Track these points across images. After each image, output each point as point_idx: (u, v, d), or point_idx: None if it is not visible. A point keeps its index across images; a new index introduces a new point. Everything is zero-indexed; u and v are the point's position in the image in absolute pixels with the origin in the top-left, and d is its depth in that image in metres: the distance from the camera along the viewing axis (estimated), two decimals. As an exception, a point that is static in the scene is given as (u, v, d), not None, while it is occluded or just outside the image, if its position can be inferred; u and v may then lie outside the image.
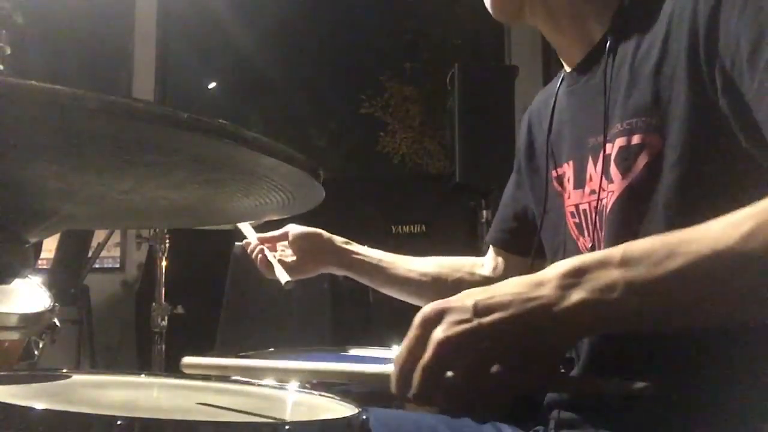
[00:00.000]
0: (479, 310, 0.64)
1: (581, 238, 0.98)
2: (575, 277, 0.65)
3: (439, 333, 0.64)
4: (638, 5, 0.91)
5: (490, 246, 1.33)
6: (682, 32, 0.81)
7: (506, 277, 1.27)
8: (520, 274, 1.23)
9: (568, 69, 1.04)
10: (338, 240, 1.40)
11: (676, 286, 0.63)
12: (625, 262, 0.64)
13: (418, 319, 0.66)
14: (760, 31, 0.72)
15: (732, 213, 0.63)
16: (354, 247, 1.40)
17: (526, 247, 1.17)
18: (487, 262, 1.33)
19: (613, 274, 0.64)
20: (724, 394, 0.80)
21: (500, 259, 1.31)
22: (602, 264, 0.65)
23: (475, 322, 0.64)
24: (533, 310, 0.64)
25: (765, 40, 0.72)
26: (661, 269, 0.63)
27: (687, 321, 0.67)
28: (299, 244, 1.39)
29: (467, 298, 0.66)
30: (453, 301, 0.66)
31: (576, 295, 0.64)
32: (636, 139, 0.86)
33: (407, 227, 3.64)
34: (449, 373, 0.64)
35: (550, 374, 0.66)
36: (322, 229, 1.40)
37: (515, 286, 0.66)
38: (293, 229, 1.41)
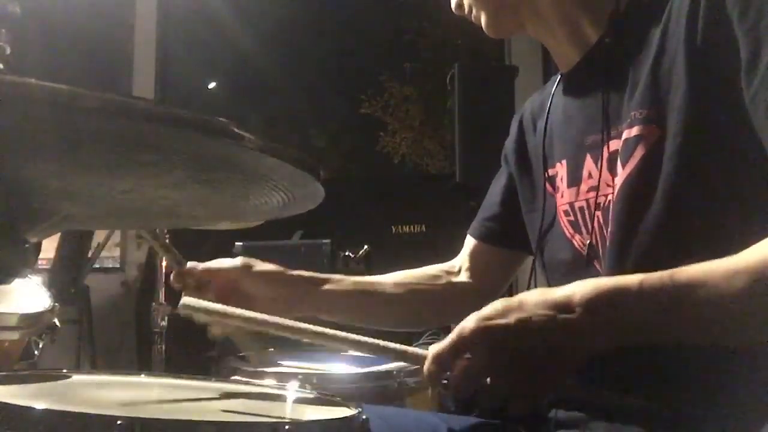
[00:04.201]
0: (517, 330, 0.74)
1: (577, 236, 0.98)
2: (597, 304, 0.74)
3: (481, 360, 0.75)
4: (635, 8, 0.92)
5: (469, 243, 1.26)
6: (681, 24, 0.82)
7: (489, 277, 1.26)
8: (504, 270, 1.25)
9: (563, 71, 1.04)
10: (306, 275, 1.18)
11: (684, 327, 0.74)
12: (640, 295, 0.73)
13: (462, 335, 0.75)
14: (758, 38, 0.74)
15: (734, 258, 0.72)
16: (325, 283, 1.18)
17: (509, 240, 1.18)
18: (462, 263, 1.27)
19: (630, 306, 0.74)
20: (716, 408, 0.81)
21: (481, 257, 1.25)
22: (621, 294, 0.74)
23: (513, 336, 0.74)
24: (562, 330, 0.74)
25: (762, 50, 0.74)
26: (672, 311, 0.73)
27: (697, 343, 0.76)
28: (257, 287, 1.12)
29: (505, 314, 0.75)
30: (492, 316, 0.75)
31: (599, 322, 0.74)
32: (635, 131, 0.87)
33: (407, 227, 3.63)
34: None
35: (561, 382, 0.77)
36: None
37: (545, 305, 0.75)
38: (242, 265, 1.13)
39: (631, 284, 0.74)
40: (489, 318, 0.75)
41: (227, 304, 1.02)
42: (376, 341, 0.83)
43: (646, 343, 0.75)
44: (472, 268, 1.26)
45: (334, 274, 1.22)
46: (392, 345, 0.83)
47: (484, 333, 0.74)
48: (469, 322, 0.75)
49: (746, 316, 0.72)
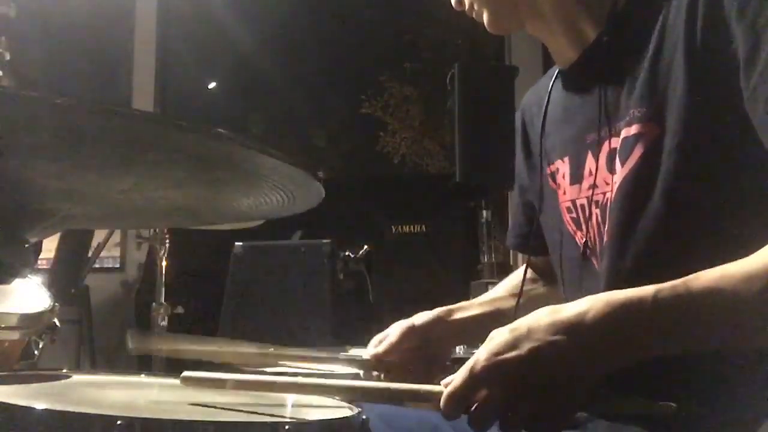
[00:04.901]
0: (530, 360, 0.71)
1: (578, 233, 0.98)
2: (612, 322, 0.72)
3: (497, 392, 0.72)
4: (633, 6, 0.92)
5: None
6: (679, 22, 0.83)
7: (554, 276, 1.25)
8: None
9: (561, 68, 1.04)
10: (454, 316, 1.18)
11: (702, 334, 0.73)
12: (656, 308, 0.71)
13: (474, 372, 0.73)
14: (756, 35, 0.74)
15: (749, 260, 0.71)
16: (461, 312, 1.20)
17: (542, 249, 1.17)
18: (533, 268, 1.28)
19: (647, 320, 0.72)
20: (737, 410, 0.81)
21: (533, 264, 1.25)
22: (636, 308, 0.72)
23: (526, 369, 0.72)
24: (577, 354, 0.72)
25: (761, 46, 0.74)
26: (690, 320, 0.72)
27: (714, 348, 0.76)
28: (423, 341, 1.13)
29: (516, 345, 0.72)
30: (503, 349, 0.72)
31: (615, 340, 0.72)
32: (634, 129, 0.87)
33: (407, 227, 3.63)
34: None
35: (583, 400, 0.74)
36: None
37: (556, 329, 0.72)
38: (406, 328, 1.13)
39: (646, 297, 0.71)
40: (499, 352, 0.72)
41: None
42: (387, 385, 0.81)
43: (664, 354, 0.73)
44: (539, 273, 1.27)
45: (463, 302, 1.22)
46: (402, 386, 0.81)
47: (497, 369, 0.72)
48: (479, 358, 0.73)
49: (765, 317, 0.71)
